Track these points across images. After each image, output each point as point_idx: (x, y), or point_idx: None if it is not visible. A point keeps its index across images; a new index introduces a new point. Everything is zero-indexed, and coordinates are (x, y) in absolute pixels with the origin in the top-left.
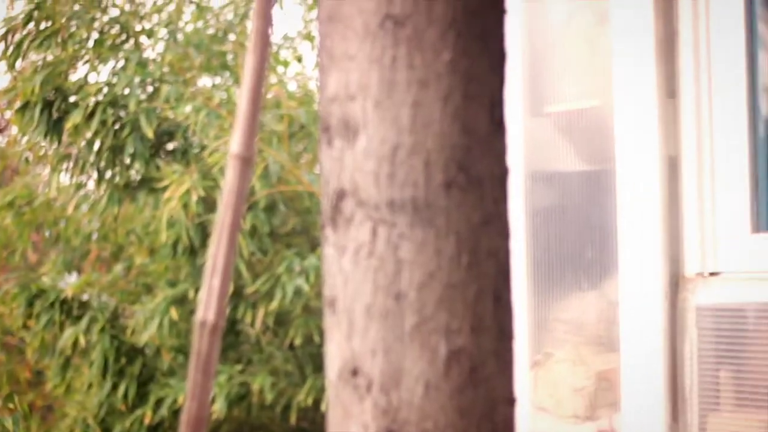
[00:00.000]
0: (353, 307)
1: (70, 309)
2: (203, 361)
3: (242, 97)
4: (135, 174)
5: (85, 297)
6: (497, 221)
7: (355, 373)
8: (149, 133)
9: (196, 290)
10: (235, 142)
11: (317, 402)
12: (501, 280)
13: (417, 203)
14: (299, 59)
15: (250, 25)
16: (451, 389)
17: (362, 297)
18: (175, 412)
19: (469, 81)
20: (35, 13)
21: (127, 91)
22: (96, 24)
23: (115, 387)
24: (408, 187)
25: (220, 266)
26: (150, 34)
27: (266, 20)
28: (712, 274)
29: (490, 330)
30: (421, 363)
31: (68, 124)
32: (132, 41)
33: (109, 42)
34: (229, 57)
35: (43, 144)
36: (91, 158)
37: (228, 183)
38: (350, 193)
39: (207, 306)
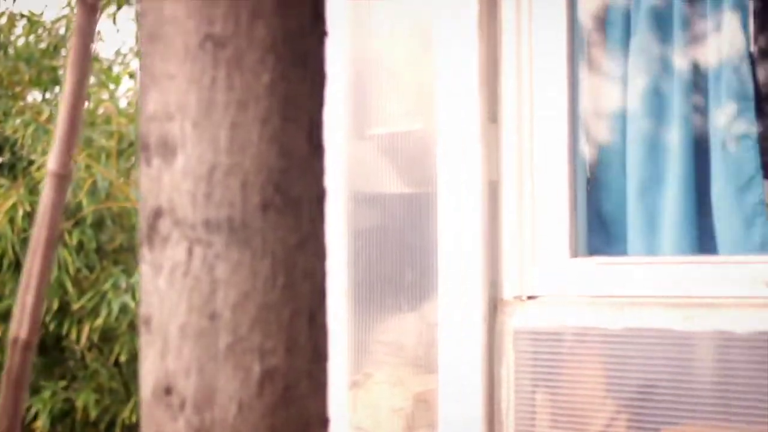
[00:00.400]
0: (168, 326)
1: None
2: (14, 377)
3: (61, 114)
4: None
5: None
6: (314, 242)
7: (168, 391)
8: None
9: None
10: (51, 160)
11: None
12: (316, 301)
13: (233, 224)
14: (131, 75)
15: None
16: (264, 408)
17: (177, 316)
18: None
19: (288, 103)
20: None
21: None
22: None
23: None
24: (224, 208)
25: (34, 283)
26: None
27: (87, 37)
28: (530, 297)
29: (305, 350)
30: (235, 382)
31: None
32: None
33: None
34: (60, 72)
35: None
36: None
37: (44, 200)
38: (167, 212)
39: (20, 322)
